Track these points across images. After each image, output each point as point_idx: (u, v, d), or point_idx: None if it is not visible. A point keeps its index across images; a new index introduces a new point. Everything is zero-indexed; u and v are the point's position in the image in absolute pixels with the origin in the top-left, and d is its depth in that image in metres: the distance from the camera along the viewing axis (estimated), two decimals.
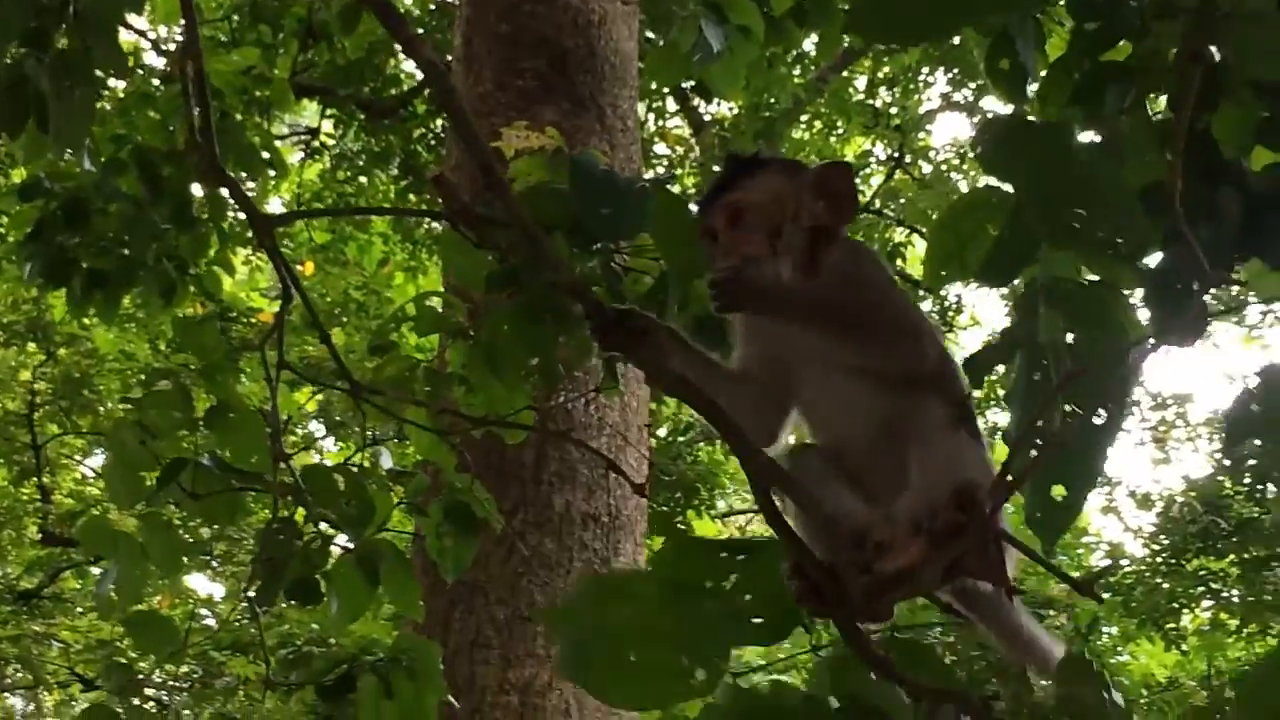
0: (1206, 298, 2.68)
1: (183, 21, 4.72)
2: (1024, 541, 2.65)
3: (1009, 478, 2.41)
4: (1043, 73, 4.68)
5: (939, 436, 2.72)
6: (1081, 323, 2.80)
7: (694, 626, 2.75)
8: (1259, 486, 14.06)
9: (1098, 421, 2.69)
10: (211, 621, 16.94)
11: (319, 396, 16.15)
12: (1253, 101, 4.00)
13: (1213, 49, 3.47)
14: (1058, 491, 2.73)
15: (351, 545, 4.66)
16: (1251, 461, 2.71)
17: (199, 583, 19.36)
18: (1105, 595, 16.02)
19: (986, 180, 3.32)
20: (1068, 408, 2.51)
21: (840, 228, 3.19)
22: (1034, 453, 2.60)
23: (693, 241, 3.59)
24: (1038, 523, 2.75)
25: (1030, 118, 4.30)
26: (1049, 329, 2.77)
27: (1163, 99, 4.27)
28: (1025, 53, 4.44)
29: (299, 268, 17.42)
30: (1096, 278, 4.22)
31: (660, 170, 17.86)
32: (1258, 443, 2.43)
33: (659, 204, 3.44)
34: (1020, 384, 2.73)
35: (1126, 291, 3.92)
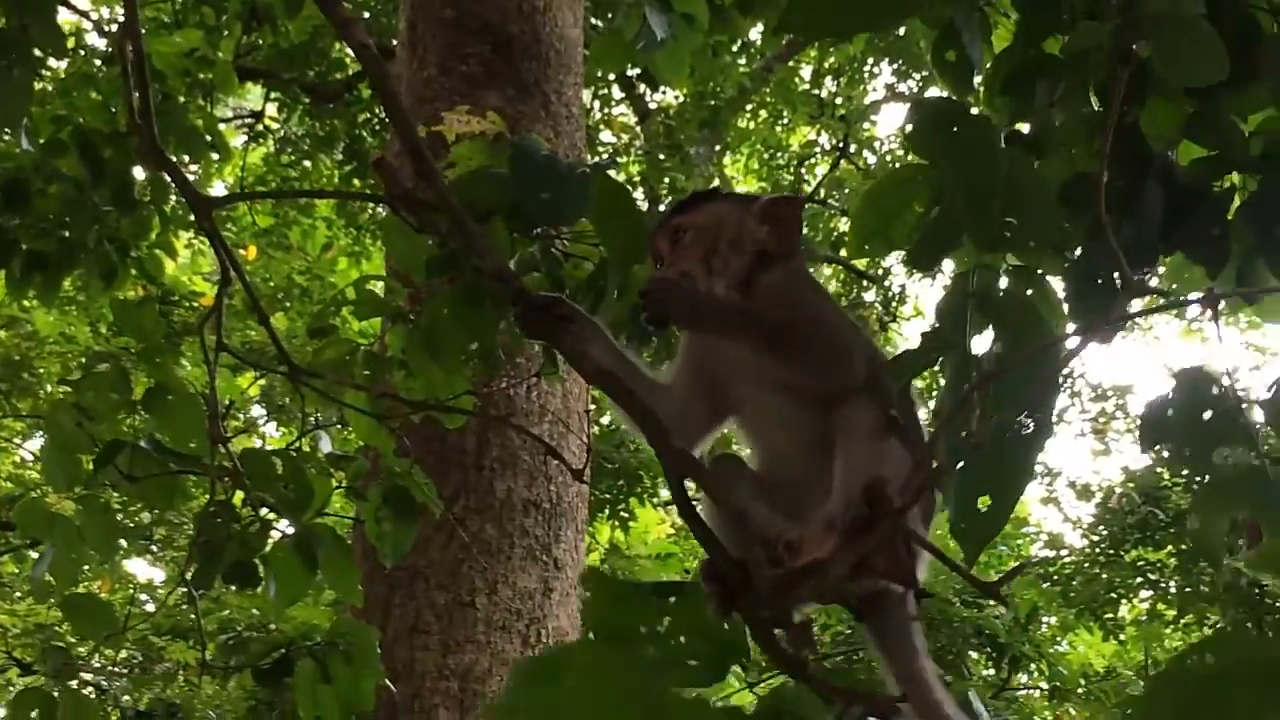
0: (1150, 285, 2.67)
1: (123, 1, 4.69)
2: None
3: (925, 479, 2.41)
4: (989, 64, 4.71)
5: (864, 442, 2.73)
6: (1008, 330, 2.81)
7: (633, 677, 2.75)
8: (1196, 479, 14.19)
9: (1024, 432, 2.71)
10: (152, 607, 16.87)
11: (261, 381, 16.11)
12: (1181, 97, 4.04)
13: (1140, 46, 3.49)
14: (983, 502, 2.75)
15: (290, 529, 4.65)
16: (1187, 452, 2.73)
17: (139, 568, 19.29)
18: (1044, 585, 16.13)
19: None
20: (993, 417, 2.51)
21: (784, 253, 3.22)
22: (953, 460, 2.61)
23: (633, 227, 3.60)
24: (961, 533, 2.75)
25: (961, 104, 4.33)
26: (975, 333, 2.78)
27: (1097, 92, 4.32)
28: (971, 45, 4.46)
29: (241, 252, 17.37)
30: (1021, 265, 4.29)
31: (605, 158, 17.88)
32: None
33: (599, 189, 3.44)
34: (949, 393, 2.74)
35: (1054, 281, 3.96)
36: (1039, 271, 4.29)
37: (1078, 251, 4.19)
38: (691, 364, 3.21)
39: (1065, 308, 4.05)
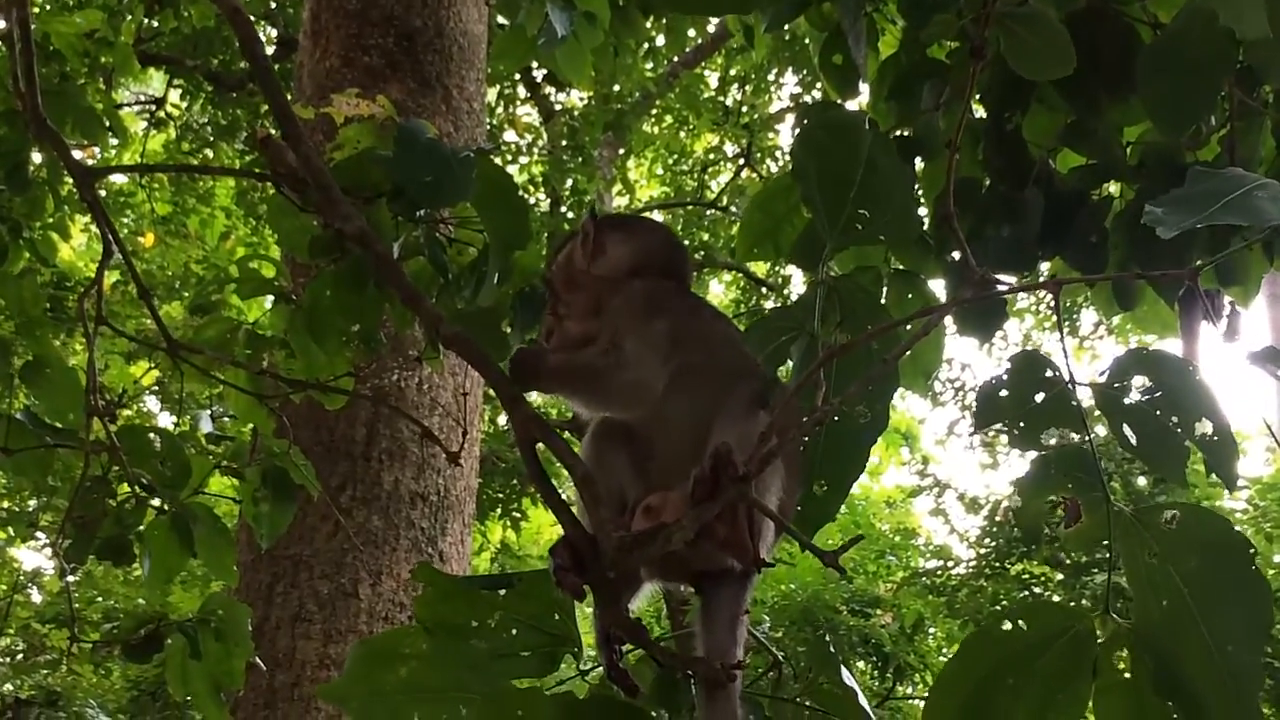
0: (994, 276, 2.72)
1: None
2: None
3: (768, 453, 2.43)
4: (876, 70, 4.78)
5: (733, 420, 2.75)
6: (853, 318, 2.87)
7: (465, 670, 2.80)
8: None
9: (861, 421, 2.77)
10: (38, 597, 16.74)
11: (155, 371, 15.97)
12: (1061, 106, 4.12)
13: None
14: (818, 487, 2.81)
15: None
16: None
17: (27, 556, 19.10)
18: (930, 596, 16.27)
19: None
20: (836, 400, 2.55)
21: (618, 271, 3.20)
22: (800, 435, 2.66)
23: (515, 213, 3.62)
24: (799, 515, 2.83)
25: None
26: (827, 326, 2.83)
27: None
28: (856, 49, 4.52)
29: (139, 239, 17.23)
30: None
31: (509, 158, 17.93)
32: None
33: (481, 174, 3.45)
34: (797, 375, 2.78)
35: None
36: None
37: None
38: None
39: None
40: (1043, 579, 15.63)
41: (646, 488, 2.80)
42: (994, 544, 16.18)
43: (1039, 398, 2.44)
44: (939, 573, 16.65)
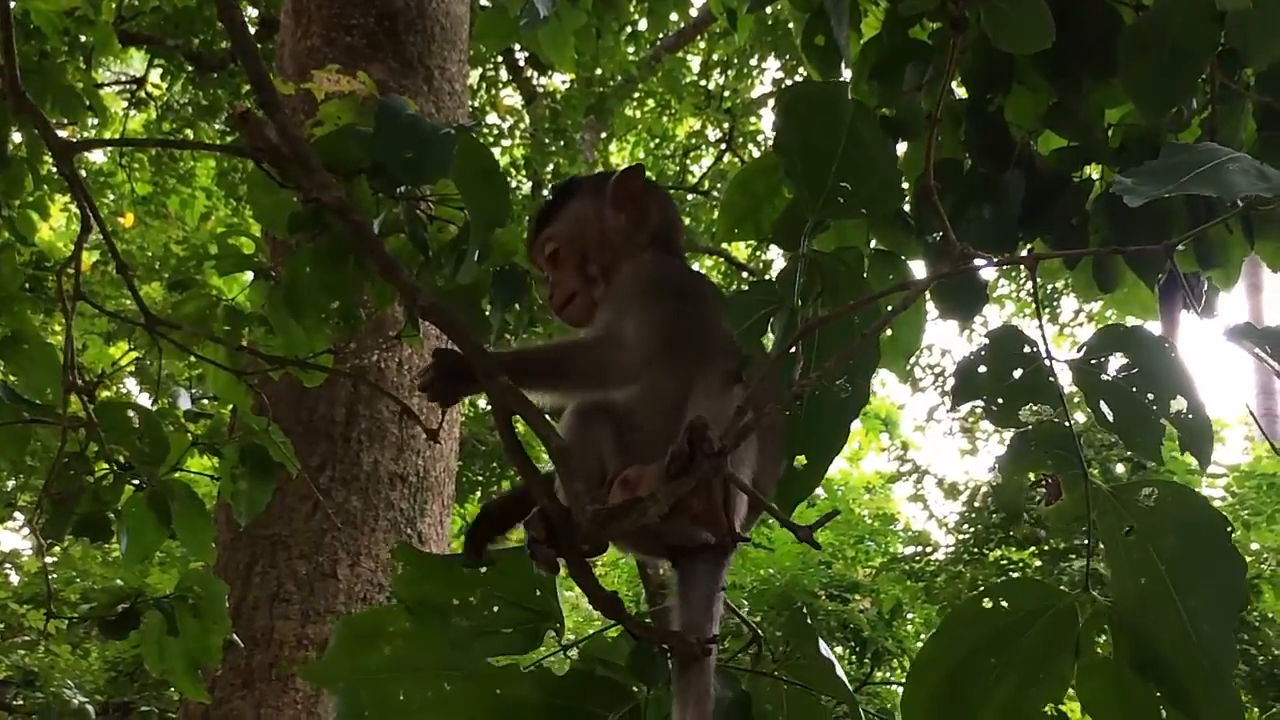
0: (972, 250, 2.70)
1: None
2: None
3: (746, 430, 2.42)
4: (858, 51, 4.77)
5: (708, 395, 2.74)
6: (833, 291, 2.85)
7: (448, 648, 2.81)
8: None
9: (842, 395, 2.77)
10: (16, 579, 16.70)
11: (135, 353, 15.88)
12: (1043, 87, 4.12)
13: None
14: (799, 462, 2.80)
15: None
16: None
17: (5, 537, 19.07)
18: (909, 582, 16.27)
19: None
20: (815, 373, 2.55)
21: (642, 237, 3.19)
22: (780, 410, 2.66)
23: (496, 190, 3.61)
24: (777, 491, 2.82)
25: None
26: (808, 301, 2.83)
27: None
28: (839, 29, 4.51)
29: (119, 219, 17.18)
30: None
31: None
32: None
33: (462, 150, 3.44)
34: (775, 350, 2.79)
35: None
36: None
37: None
38: None
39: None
40: (1020, 565, 15.62)
41: (626, 462, 2.79)
42: (973, 530, 16.18)
43: (1017, 374, 2.43)
44: (918, 558, 16.64)
